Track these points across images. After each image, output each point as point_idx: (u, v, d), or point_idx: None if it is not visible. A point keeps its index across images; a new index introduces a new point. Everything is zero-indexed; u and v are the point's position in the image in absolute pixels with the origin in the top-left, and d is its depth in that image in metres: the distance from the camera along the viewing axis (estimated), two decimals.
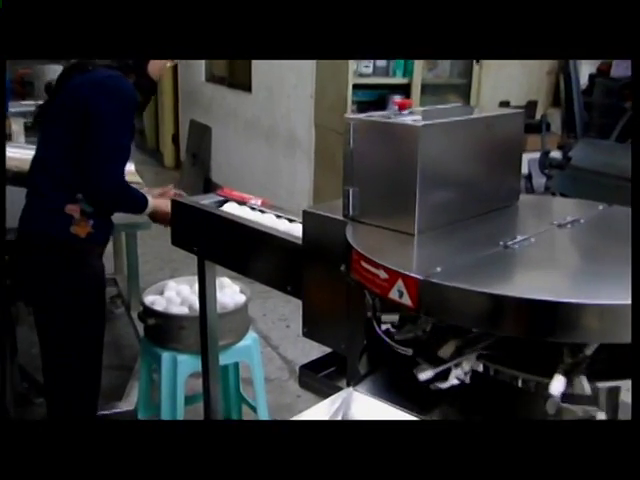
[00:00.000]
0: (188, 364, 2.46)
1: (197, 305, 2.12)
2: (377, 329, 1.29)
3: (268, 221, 1.80)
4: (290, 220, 1.81)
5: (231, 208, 1.93)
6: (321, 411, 1.21)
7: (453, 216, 1.41)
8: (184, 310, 2.53)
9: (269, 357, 3.53)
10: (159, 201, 2.23)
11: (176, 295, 2.63)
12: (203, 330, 2.09)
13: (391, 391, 1.27)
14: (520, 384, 1.23)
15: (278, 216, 1.86)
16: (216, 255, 1.94)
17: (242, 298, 2.60)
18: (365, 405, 1.24)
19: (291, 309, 3.99)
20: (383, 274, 1.16)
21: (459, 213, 1.43)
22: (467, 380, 1.17)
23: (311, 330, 1.57)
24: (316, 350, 3.35)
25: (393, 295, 1.14)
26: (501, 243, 1.25)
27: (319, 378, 1.61)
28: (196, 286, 2.28)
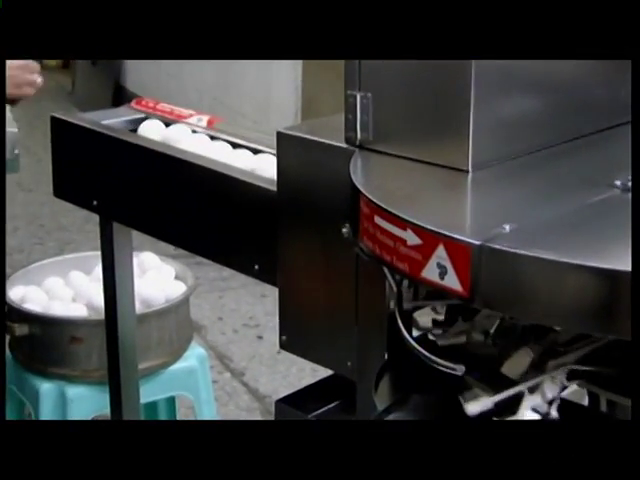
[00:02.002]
0: (87, 402, 2.49)
1: (101, 302, 2.14)
2: (405, 333, 1.30)
3: (219, 154, 1.81)
4: (258, 152, 1.82)
5: (155, 131, 1.94)
6: None
7: (534, 140, 1.42)
8: (79, 310, 2.56)
9: (229, 389, 3.57)
10: None
11: (65, 285, 2.65)
12: (112, 344, 2.11)
13: None
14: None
15: (236, 145, 1.86)
16: (131, 214, 1.95)
17: (179, 289, 2.62)
18: None
19: (266, 308, 4.02)
20: (413, 237, 1.17)
21: (545, 135, 1.44)
22: (553, 413, 1.20)
23: (294, 339, 1.59)
24: (309, 377, 3.39)
25: (430, 273, 1.16)
26: (618, 183, 1.26)
27: (310, 421, 1.64)
28: (98, 269, 2.30)
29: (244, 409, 3.47)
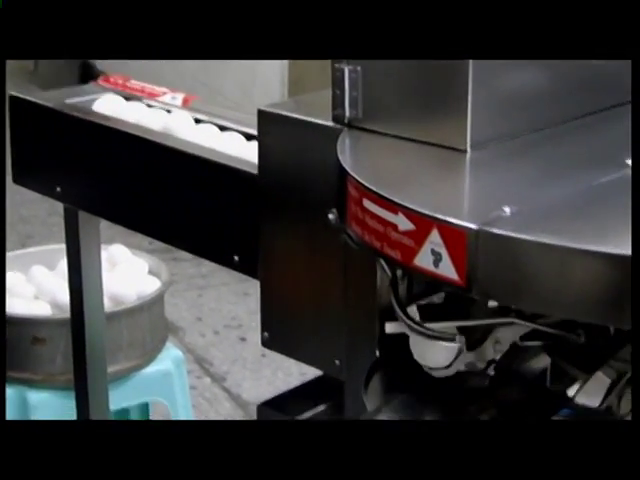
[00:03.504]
0: (51, 409, 2.49)
1: (66, 299, 2.14)
2: (401, 313, 1.31)
3: (197, 135, 1.82)
4: (242, 135, 1.83)
5: (124, 110, 1.94)
6: None
7: (538, 117, 1.43)
8: (42, 309, 2.56)
9: (209, 396, 3.58)
10: None
11: (26, 281, 2.65)
12: (78, 345, 2.11)
13: None
14: None
15: (217, 126, 1.87)
16: (99, 202, 1.96)
17: (153, 285, 2.62)
18: None
19: (249, 307, 4.02)
20: (405, 222, 1.18)
21: (549, 111, 1.45)
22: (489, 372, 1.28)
23: (277, 336, 1.60)
24: (297, 381, 3.39)
25: (423, 261, 1.17)
26: (628, 162, 1.26)
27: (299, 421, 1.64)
28: (63, 263, 2.30)
29: (225, 417, 3.48)
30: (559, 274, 1.09)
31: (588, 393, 1.24)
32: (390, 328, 1.36)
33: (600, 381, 1.24)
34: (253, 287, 1.63)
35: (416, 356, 1.35)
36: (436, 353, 1.32)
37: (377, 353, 1.45)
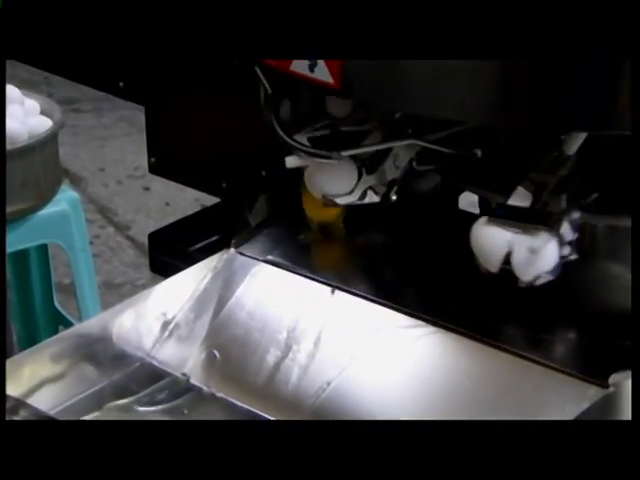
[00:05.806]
0: None
1: None
2: (281, 133, 1.32)
3: None
4: None
5: None
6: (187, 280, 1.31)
7: None
8: None
9: (113, 244, 3.56)
10: None
11: None
12: None
13: (304, 256, 1.34)
14: None
15: None
16: None
17: (45, 124, 2.58)
18: (261, 273, 1.31)
19: None
20: None
21: None
22: (393, 197, 1.31)
23: (164, 161, 1.60)
24: None
25: (299, 67, 1.17)
26: None
27: (191, 253, 1.66)
28: None
29: (130, 265, 3.48)
30: (437, 75, 1.11)
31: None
32: (290, 162, 1.35)
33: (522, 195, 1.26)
34: None
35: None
36: None
37: (263, 173, 1.47)
